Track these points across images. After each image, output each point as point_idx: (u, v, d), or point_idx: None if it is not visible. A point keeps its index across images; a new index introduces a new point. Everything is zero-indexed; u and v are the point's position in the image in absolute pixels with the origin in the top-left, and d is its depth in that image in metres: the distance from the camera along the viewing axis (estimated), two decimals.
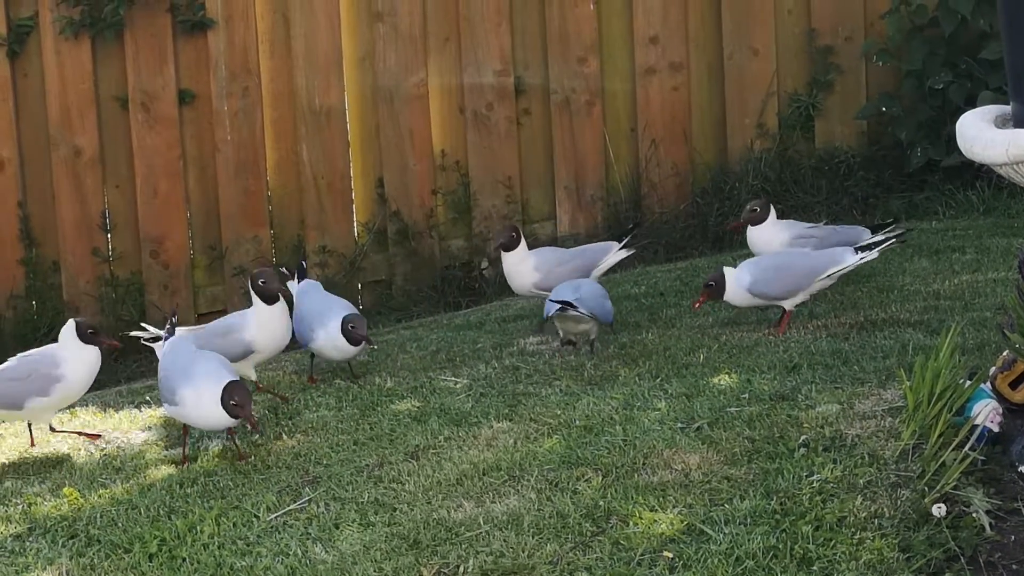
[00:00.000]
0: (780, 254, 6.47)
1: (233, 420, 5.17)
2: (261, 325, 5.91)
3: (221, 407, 5.12)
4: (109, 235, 8.48)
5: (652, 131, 8.90)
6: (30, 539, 4.84)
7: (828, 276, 6.23)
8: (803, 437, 4.81)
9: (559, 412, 5.37)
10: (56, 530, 4.87)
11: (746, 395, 5.33)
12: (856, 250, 6.21)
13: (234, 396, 5.11)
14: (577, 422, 5.24)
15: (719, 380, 5.57)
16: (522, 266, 6.66)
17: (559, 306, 5.95)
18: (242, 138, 8.53)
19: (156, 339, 5.92)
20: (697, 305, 6.33)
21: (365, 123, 8.71)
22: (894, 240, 6.33)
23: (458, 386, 5.93)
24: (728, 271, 6.21)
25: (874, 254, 6.22)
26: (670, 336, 6.38)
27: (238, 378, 5.26)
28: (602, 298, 6.21)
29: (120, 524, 4.84)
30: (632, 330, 6.56)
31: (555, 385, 5.78)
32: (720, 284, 6.18)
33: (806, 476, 4.53)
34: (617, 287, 7.51)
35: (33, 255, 8.36)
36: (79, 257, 8.41)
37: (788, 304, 6.25)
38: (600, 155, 8.90)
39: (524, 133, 8.86)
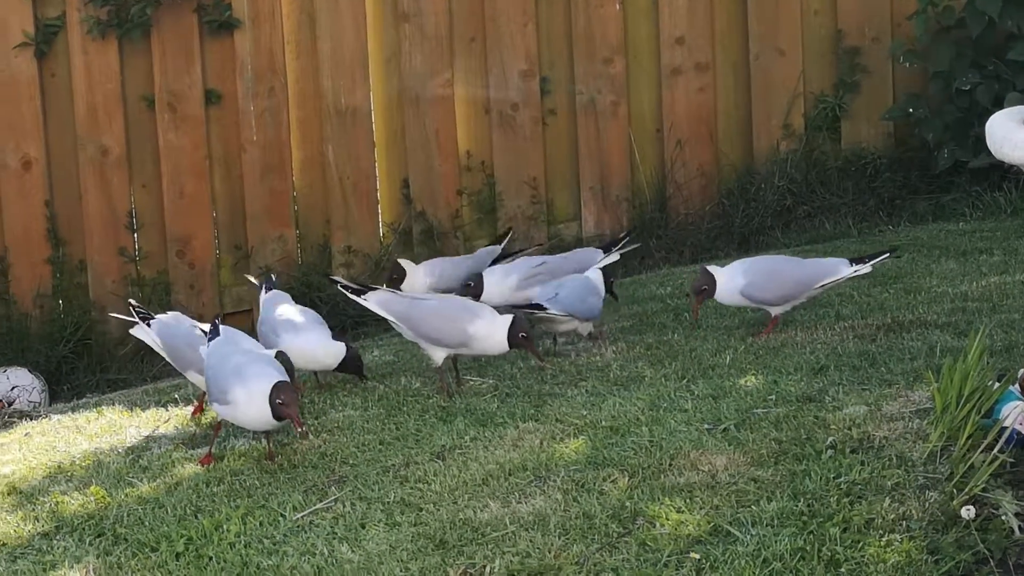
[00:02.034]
0: (775, 259, 6.47)
1: (279, 421, 5.13)
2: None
3: (268, 406, 5.10)
4: (135, 234, 8.50)
5: (678, 132, 8.89)
6: (57, 537, 4.85)
7: (820, 287, 6.23)
8: (830, 439, 4.78)
9: (585, 413, 5.36)
10: (83, 529, 4.88)
11: (773, 396, 5.31)
12: (851, 262, 6.23)
13: (280, 395, 5.08)
14: (603, 423, 5.22)
15: (746, 381, 5.55)
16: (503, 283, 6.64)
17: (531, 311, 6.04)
18: (268, 138, 8.54)
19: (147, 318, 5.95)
20: (696, 313, 6.40)
21: (391, 123, 8.71)
22: (888, 255, 6.32)
23: (484, 386, 5.92)
24: (716, 270, 6.22)
25: (867, 267, 6.22)
26: (696, 337, 6.36)
27: (287, 378, 5.24)
28: (585, 294, 6.23)
29: (147, 523, 4.85)
30: (658, 331, 6.55)
31: (581, 386, 5.76)
32: (712, 284, 6.19)
33: (833, 478, 4.51)
34: (643, 288, 7.50)
35: (60, 254, 8.38)
36: (106, 256, 8.43)
37: (776, 310, 6.24)
38: (625, 156, 8.89)
39: (549, 134, 8.86)
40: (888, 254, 6.34)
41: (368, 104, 8.67)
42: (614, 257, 6.79)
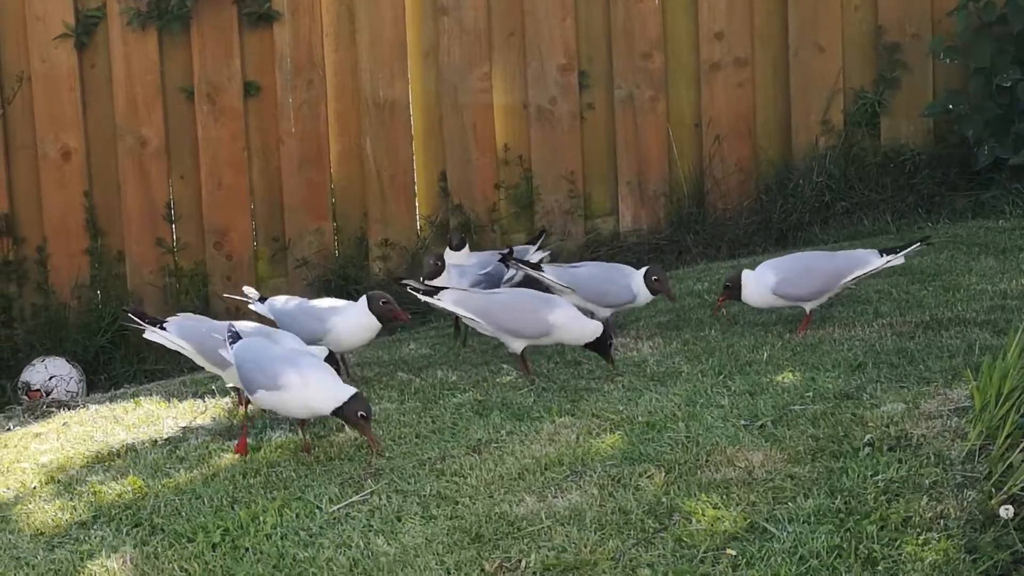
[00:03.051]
0: (804, 255, 6.46)
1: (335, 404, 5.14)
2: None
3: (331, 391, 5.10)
4: (173, 225, 8.53)
5: (716, 127, 8.86)
6: (94, 527, 4.87)
7: (853, 279, 6.21)
8: (868, 436, 4.77)
9: (621, 408, 5.36)
10: (120, 518, 4.90)
11: (810, 393, 5.30)
12: (881, 253, 6.21)
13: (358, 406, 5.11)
14: (639, 418, 5.22)
15: (783, 378, 5.54)
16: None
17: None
18: (306, 130, 8.56)
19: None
20: (716, 309, 6.44)
21: (429, 116, 8.72)
22: (919, 245, 6.29)
23: (520, 380, 5.92)
24: (747, 273, 6.24)
25: (899, 258, 6.20)
26: (733, 333, 6.35)
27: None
28: (603, 276, 6.38)
29: (184, 513, 4.87)
30: (695, 327, 6.54)
31: (617, 381, 5.77)
32: (736, 285, 6.21)
33: (871, 475, 4.50)
34: (680, 283, 7.49)
35: (98, 245, 8.42)
36: (144, 247, 8.47)
37: (810, 306, 6.23)
38: (663, 151, 8.87)
39: (587, 128, 8.84)
40: (919, 244, 6.30)
41: (406, 97, 8.68)
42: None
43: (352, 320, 5.96)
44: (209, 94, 8.45)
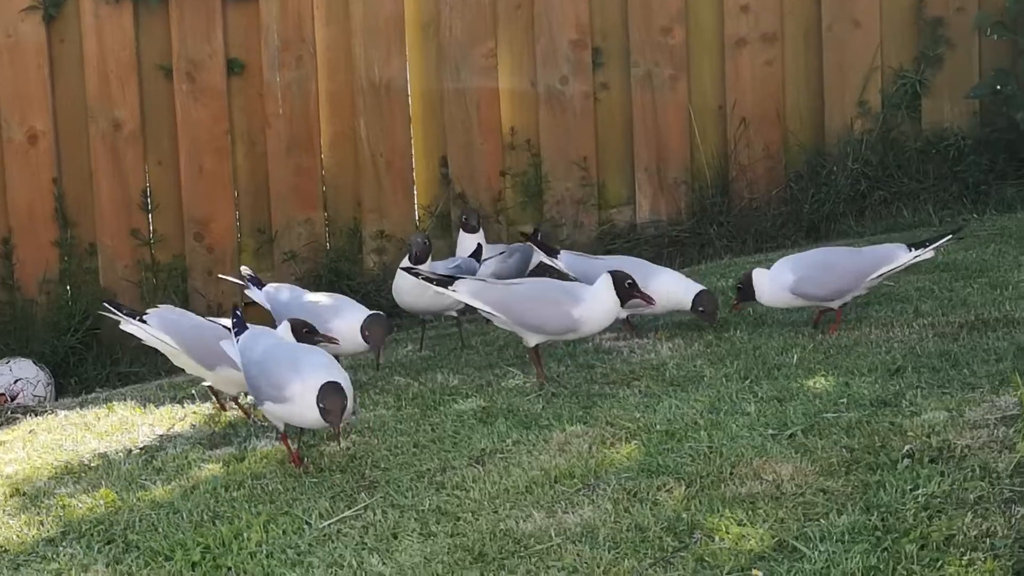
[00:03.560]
0: (825, 251, 6.47)
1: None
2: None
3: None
4: (150, 215, 8.55)
5: (742, 109, 8.87)
6: (63, 544, 4.88)
7: (878, 276, 6.22)
8: (907, 447, 4.77)
9: (638, 415, 5.36)
10: (91, 534, 4.91)
11: (844, 400, 5.30)
12: (909, 247, 6.21)
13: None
14: (658, 426, 5.23)
15: (814, 383, 5.54)
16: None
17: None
18: (295, 112, 8.57)
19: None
20: (736, 308, 6.46)
21: (428, 97, 8.72)
22: (950, 237, 6.29)
23: (528, 385, 5.93)
24: (758, 272, 6.26)
25: (929, 252, 6.20)
26: (760, 334, 6.36)
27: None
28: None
29: (160, 529, 4.87)
30: (718, 327, 6.54)
31: (634, 386, 5.77)
32: (748, 286, 6.24)
33: (910, 490, 4.50)
34: (702, 279, 7.47)
35: (68, 236, 8.44)
36: (117, 239, 8.48)
37: (833, 305, 6.24)
38: (684, 135, 8.88)
39: (601, 110, 8.85)
40: (950, 236, 6.30)
41: (404, 76, 8.68)
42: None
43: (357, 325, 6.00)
44: (189, 72, 8.46)
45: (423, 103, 8.74)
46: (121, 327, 5.91)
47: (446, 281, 5.99)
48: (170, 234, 8.55)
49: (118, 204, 8.47)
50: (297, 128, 8.59)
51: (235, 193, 8.61)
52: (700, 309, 6.31)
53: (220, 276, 7.70)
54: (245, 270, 6.55)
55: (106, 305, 5.95)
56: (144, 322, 5.83)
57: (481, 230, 7.15)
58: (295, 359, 5.24)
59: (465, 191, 8.72)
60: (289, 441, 5.33)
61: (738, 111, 8.87)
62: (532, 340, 5.92)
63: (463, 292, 5.96)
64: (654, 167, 8.88)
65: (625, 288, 5.78)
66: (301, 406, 5.10)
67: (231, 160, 8.56)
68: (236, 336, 5.47)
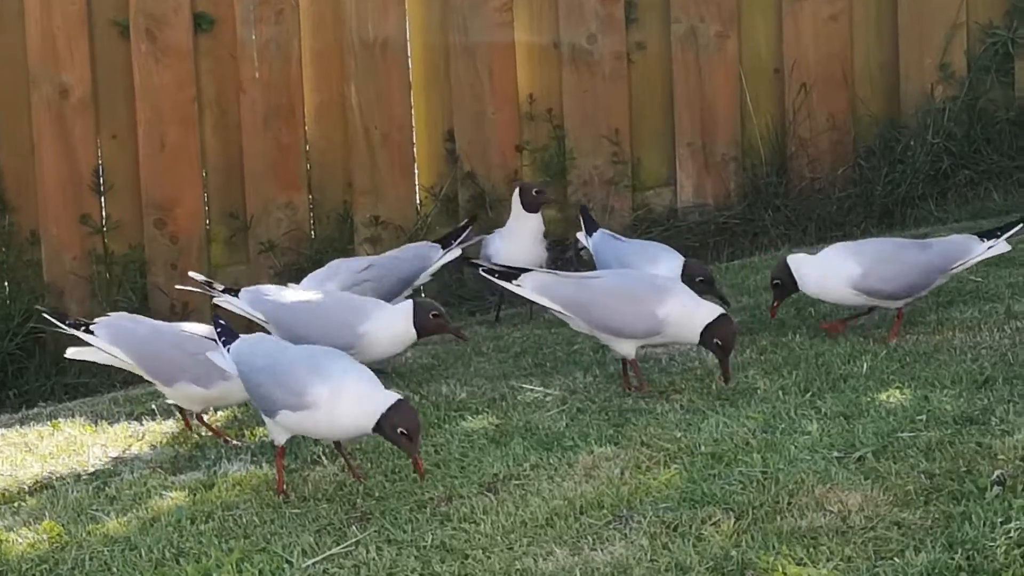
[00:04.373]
0: (887, 242, 6.47)
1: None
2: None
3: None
4: (103, 198, 8.55)
5: (802, 73, 8.88)
6: None
7: (952, 272, 6.25)
8: (997, 472, 4.78)
9: (679, 435, 5.37)
10: (33, 575, 4.91)
11: (923, 417, 5.31)
12: (981, 238, 6.24)
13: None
14: (702, 448, 5.23)
15: (887, 397, 5.55)
16: None
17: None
18: (273, 76, 8.58)
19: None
20: (773, 312, 6.48)
21: (431, 58, 8.74)
22: (1023, 225, 6.31)
23: (549, 399, 5.94)
24: (797, 258, 6.26)
25: (1003, 244, 6.21)
26: (823, 339, 6.36)
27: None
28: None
29: (115, 569, 4.88)
30: (775, 330, 6.55)
31: (674, 400, 5.78)
32: (786, 276, 6.27)
33: (1001, 523, 4.50)
34: (755, 273, 7.52)
35: (6, 223, 8.45)
36: (64, 226, 8.49)
37: (897, 305, 6.25)
38: (735, 103, 8.89)
39: (636, 74, 8.86)
40: (1023, 224, 6.31)
41: (403, 34, 8.69)
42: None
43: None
44: (149, 29, 8.46)
45: (425, 65, 8.75)
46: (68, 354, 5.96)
47: (510, 275, 5.98)
48: (126, 220, 8.55)
49: (65, 185, 8.48)
50: (276, 95, 8.59)
51: (203, 172, 8.62)
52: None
53: (179, 287, 7.60)
54: (193, 275, 6.49)
55: (46, 316, 5.95)
56: (91, 333, 5.84)
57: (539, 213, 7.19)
58: (315, 361, 5.26)
59: (475, 170, 8.73)
60: (283, 461, 5.34)
61: (797, 75, 8.88)
62: (622, 347, 5.91)
63: (528, 288, 5.96)
64: (698, 141, 8.89)
65: None
66: (329, 412, 5.12)
67: (198, 133, 8.57)
68: (224, 346, 5.47)
